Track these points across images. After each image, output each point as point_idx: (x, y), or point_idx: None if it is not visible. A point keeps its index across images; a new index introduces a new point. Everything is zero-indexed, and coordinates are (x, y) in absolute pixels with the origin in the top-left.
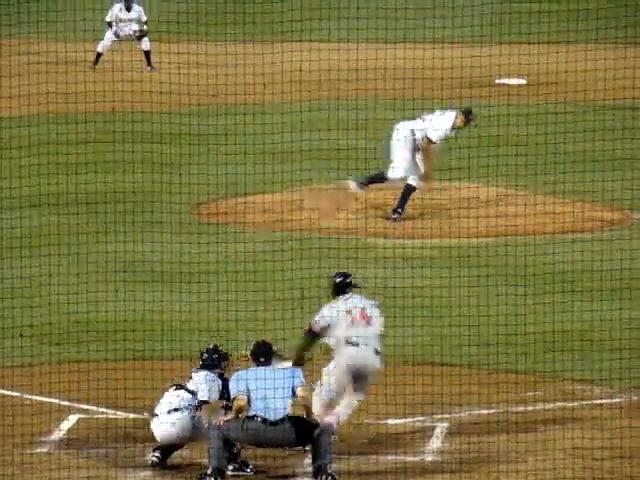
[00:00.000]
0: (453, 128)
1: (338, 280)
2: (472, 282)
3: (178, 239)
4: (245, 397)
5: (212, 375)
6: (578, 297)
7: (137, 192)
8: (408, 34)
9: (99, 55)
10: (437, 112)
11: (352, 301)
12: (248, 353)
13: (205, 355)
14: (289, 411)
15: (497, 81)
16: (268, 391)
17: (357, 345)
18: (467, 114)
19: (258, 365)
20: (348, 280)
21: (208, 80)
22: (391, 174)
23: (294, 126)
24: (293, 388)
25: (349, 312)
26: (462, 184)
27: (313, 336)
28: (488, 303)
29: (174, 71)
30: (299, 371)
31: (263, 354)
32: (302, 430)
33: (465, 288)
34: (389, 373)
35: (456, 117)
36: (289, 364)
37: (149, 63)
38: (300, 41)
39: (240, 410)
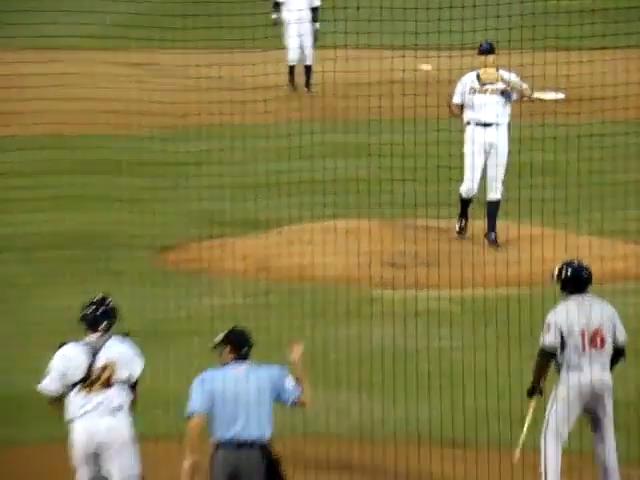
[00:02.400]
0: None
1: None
2: (500, 343)
3: (140, 292)
4: (203, 417)
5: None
6: (632, 361)
7: (88, 235)
8: (419, 39)
9: None
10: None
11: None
12: (217, 342)
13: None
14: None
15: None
16: (245, 403)
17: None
18: None
19: (237, 359)
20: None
21: (176, 97)
22: (496, 194)
23: (281, 153)
24: (282, 396)
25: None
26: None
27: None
28: (521, 369)
29: (132, 86)
30: (285, 370)
31: (244, 343)
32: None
33: (492, 350)
34: (400, 454)
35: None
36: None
37: None
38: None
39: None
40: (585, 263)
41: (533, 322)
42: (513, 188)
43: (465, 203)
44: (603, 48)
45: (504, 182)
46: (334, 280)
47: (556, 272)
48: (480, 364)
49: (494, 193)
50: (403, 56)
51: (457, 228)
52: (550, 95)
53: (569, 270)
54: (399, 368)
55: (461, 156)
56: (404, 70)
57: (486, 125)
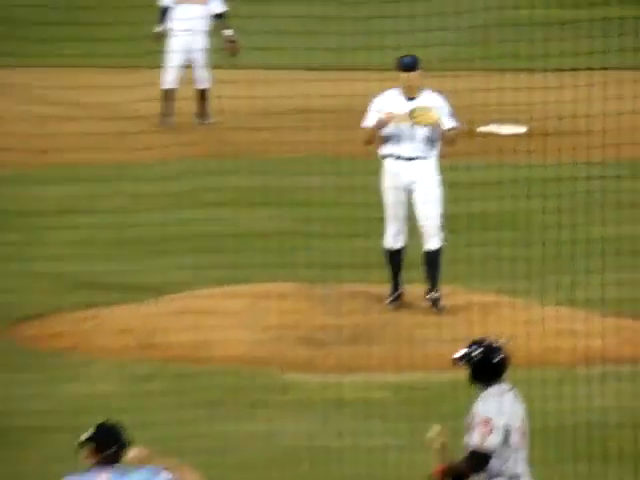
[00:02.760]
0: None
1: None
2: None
3: None
4: None
5: None
6: (615, 465)
7: None
8: (343, 57)
9: None
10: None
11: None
12: (81, 441)
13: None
14: None
15: (480, 129)
16: None
17: None
18: None
19: (102, 465)
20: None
21: (32, 127)
22: (434, 242)
23: (168, 199)
24: None
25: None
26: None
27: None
28: None
29: None
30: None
31: (111, 443)
32: None
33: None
34: None
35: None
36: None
37: None
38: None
39: None
40: (502, 341)
41: None
42: (461, 245)
43: (393, 259)
44: (574, 70)
45: (443, 226)
46: (236, 361)
47: (461, 354)
48: (420, 467)
49: (432, 240)
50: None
51: (389, 295)
52: (508, 129)
53: (482, 352)
54: (319, 472)
55: None
56: (325, 96)
57: (409, 159)
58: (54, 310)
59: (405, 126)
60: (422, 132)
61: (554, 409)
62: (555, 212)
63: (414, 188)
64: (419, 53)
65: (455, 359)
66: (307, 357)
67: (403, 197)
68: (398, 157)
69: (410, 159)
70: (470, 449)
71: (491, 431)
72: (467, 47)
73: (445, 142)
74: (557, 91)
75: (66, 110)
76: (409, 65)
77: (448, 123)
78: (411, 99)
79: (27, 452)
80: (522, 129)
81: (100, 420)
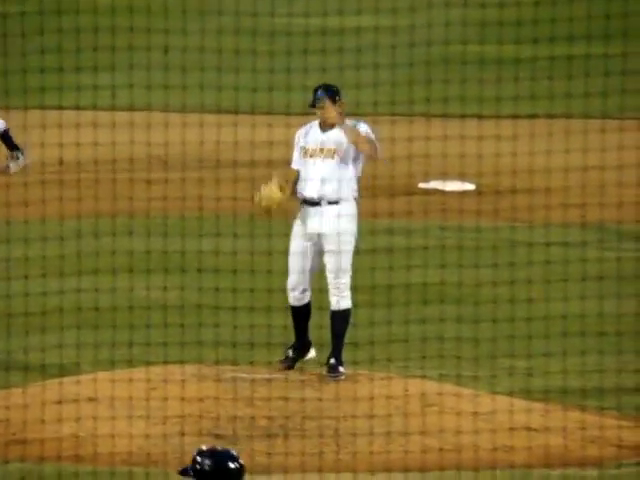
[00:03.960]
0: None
1: None
2: None
3: None
4: None
5: None
6: None
7: None
8: (258, 98)
9: None
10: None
11: None
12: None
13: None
14: None
15: (422, 185)
16: None
17: None
18: None
19: None
20: None
21: None
22: (339, 301)
23: (50, 264)
24: None
25: None
26: (360, 371)
27: None
28: None
29: None
30: None
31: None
32: None
33: None
34: None
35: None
36: None
37: None
38: (61, 108)
39: None
40: (234, 451)
41: None
42: (398, 321)
43: (296, 317)
44: (532, 117)
45: (351, 284)
46: (127, 460)
47: (187, 466)
48: None
49: (337, 299)
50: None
51: (284, 358)
52: (453, 185)
53: (209, 462)
54: None
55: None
56: (238, 142)
57: (314, 204)
58: None
59: (311, 161)
60: (329, 169)
61: None
62: (508, 284)
63: (321, 236)
64: (350, 94)
65: (180, 472)
66: None
67: (308, 247)
68: (304, 200)
69: (315, 203)
70: None
71: None
72: (405, 87)
73: (359, 145)
74: (511, 141)
75: None
76: (313, 102)
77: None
78: (325, 131)
79: None
80: (470, 186)
81: None
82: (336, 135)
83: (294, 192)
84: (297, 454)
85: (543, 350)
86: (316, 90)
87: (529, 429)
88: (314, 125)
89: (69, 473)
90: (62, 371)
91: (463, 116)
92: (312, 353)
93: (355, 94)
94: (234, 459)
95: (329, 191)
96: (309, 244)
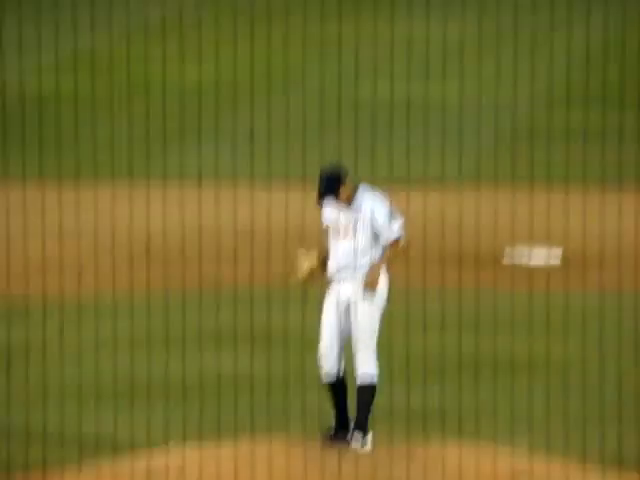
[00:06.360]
0: None
1: None
2: None
3: None
4: None
5: None
6: None
7: None
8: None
9: None
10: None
11: None
12: None
13: None
14: None
15: (506, 259)
16: None
17: None
18: None
19: None
20: None
21: None
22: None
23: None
24: None
25: None
26: (433, 445)
27: None
28: None
29: None
30: None
31: None
32: None
33: None
34: None
35: None
36: None
37: None
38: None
39: None
40: None
41: None
42: (487, 401)
43: (333, 394)
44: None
45: (377, 358)
46: None
47: None
48: None
49: (363, 373)
50: None
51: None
52: (539, 256)
53: None
54: None
55: None
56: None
57: (340, 280)
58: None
59: (334, 238)
60: (351, 245)
61: None
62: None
63: (350, 305)
64: (433, 164)
65: None
66: None
67: (336, 315)
68: (332, 270)
69: (341, 270)
70: None
71: None
72: (489, 159)
73: (391, 257)
74: (598, 211)
75: None
76: (321, 198)
77: (387, 234)
78: (342, 209)
79: None
80: (556, 259)
81: None
82: (353, 211)
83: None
84: None
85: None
86: (320, 194)
87: None
88: (333, 202)
89: None
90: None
91: (549, 185)
92: (366, 443)
93: (439, 165)
94: None
95: (354, 264)
96: (339, 312)
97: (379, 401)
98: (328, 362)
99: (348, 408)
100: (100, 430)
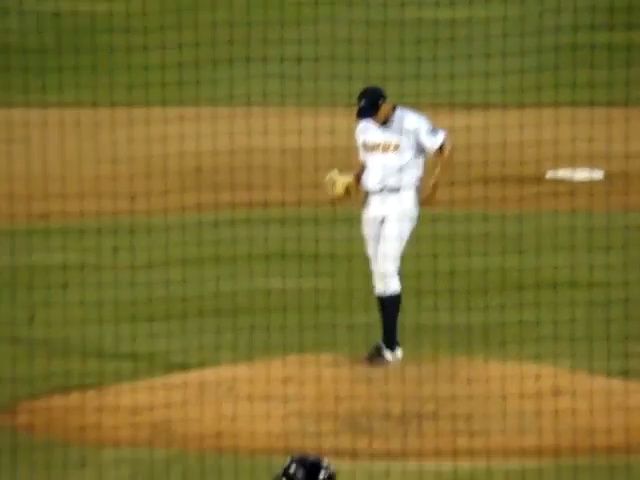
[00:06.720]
0: None
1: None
2: None
3: None
4: None
5: None
6: None
7: None
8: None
9: None
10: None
11: None
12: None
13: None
14: None
15: (550, 175)
16: None
17: None
18: None
19: None
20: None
21: None
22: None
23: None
24: None
25: None
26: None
27: None
28: None
29: None
30: None
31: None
32: None
33: None
34: None
35: None
36: None
37: None
38: None
39: None
40: (325, 461)
41: None
42: (531, 322)
43: (382, 307)
44: None
45: (400, 270)
46: (266, 452)
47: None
48: None
49: (382, 284)
50: None
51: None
52: (581, 174)
53: (302, 472)
54: None
55: None
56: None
57: (377, 192)
58: (59, 387)
59: (372, 155)
60: (389, 162)
61: None
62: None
63: (382, 223)
64: (476, 83)
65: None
66: (348, 446)
67: (373, 233)
68: (368, 189)
69: (377, 191)
70: None
71: None
72: (533, 74)
73: (442, 168)
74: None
75: None
76: (362, 115)
77: (430, 142)
78: (382, 126)
79: None
80: (599, 174)
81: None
82: (393, 129)
83: (359, 181)
84: (431, 437)
85: None
86: (360, 110)
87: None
88: (371, 120)
89: (208, 466)
90: (201, 364)
91: (591, 102)
92: (397, 355)
93: (485, 82)
94: (325, 469)
95: (390, 182)
96: (373, 230)
97: (426, 320)
98: (374, 277)
99: (397, 327)
100: (153, 348)
